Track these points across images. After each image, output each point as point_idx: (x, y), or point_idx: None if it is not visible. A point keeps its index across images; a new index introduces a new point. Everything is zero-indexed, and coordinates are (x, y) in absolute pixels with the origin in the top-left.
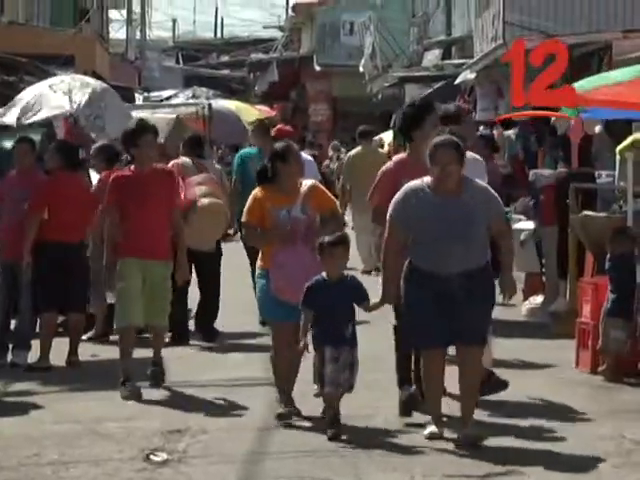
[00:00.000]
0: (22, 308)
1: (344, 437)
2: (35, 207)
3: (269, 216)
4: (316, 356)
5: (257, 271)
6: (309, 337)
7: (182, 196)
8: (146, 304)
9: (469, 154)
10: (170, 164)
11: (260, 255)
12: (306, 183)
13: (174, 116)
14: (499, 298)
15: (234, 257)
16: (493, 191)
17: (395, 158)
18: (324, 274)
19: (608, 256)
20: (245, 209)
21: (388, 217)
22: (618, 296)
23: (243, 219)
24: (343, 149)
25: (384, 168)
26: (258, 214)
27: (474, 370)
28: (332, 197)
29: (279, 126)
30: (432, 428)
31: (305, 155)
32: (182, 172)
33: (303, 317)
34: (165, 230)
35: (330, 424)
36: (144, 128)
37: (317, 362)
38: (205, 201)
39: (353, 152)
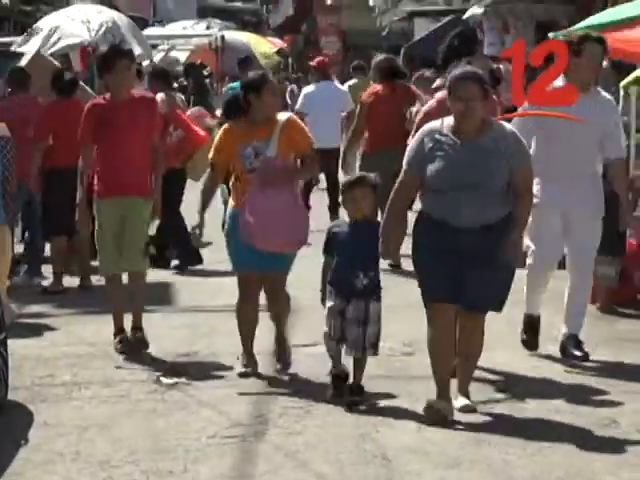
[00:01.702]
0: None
1: (361, 407)
2: (39, 134)
3: (235, 153)
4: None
5: (228, 210)
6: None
7: (195, 133)
8: (125, 247)
9: None
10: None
11: (234, 195)
12: (282, 117)
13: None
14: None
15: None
16: (522, 138)
17: (437, 96)
18: (346, 218)
19: None
20: (213, 145)
21: (404, 162)
22: (603, 233)
23: (210, 156)
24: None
25: (426, 108)
26: (226, 151)
27: (475, 340)
28: (308, 135)
29: (318, 59)
30: (432, 399)
31: (340, 86)
32: (174, 107)
33: (323, 264)
34: (146, 164)
35: (333, 387)
36: (119, 52)
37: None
38: None
39: (349, 83)
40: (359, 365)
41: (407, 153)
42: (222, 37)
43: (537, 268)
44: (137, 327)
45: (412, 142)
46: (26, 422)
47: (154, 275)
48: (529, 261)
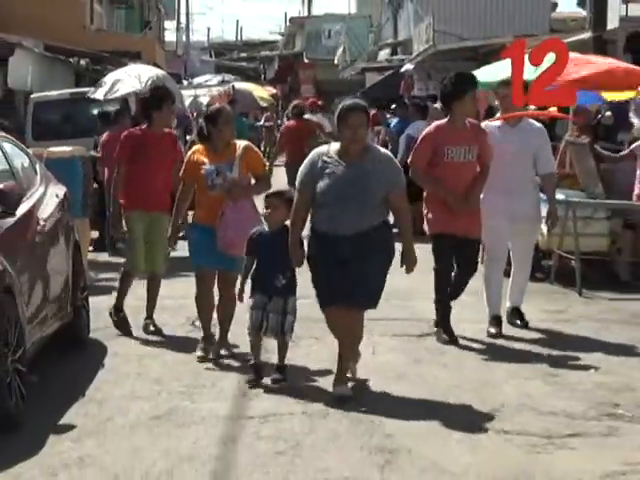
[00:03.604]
0: None
1: (262, 383)
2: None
3: (200, 171)
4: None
5: (191, 220)
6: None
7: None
8: (148, 252)
9: None
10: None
11: (197, 208)
12: (240, 144)
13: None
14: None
15: None
16: (397, 161)
17: (435, 124)
18: (265, 225)
19: None
20: (183, 164)
21: (297, 181)
22: None
23: (180, 174)
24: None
25: (425, 132)
26: (192, 169)
27: (354, 332)
28: (262, 159)
29: (311, 99)
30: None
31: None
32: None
33: (244, 265)
34: (168, 186)
35: (254, 370)
36: (168, 95)
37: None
38: None
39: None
40: (281, 349)
41: (299, 175)
42: (233, 86)
43: (491, 260)
44: (150, 316)
45: (303, 165)
46: (102, 353)
47: None
48: (485, 257)
